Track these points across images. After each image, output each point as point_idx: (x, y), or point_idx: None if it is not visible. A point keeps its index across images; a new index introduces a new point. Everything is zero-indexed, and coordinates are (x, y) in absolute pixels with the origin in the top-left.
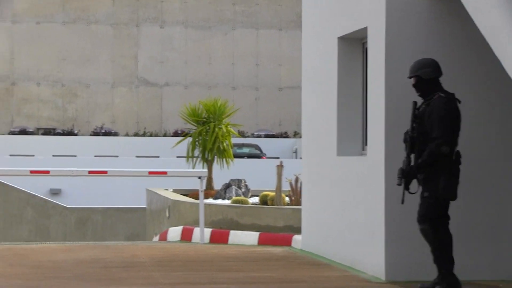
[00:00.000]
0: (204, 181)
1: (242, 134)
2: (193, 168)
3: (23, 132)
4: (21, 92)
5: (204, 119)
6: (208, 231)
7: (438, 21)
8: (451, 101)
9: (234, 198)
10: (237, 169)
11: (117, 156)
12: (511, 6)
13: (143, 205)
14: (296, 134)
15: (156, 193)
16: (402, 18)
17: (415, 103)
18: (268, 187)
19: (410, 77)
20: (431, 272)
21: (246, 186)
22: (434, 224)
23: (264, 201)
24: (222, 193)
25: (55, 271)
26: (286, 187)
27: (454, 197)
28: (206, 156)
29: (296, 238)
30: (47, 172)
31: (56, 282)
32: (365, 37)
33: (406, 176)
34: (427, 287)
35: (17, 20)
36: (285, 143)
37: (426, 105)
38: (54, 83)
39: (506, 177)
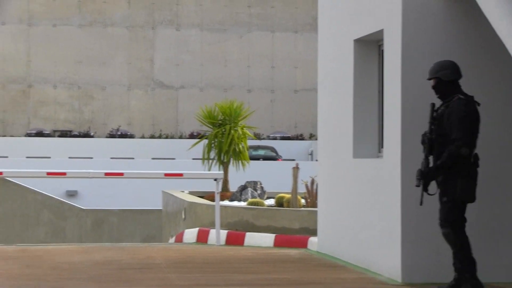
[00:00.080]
0: (220, 183)
1: (257, 136)
2: (209, 170)
3: (40, 134)
4: (38, 94)
5: (220, 121)
6: (224, 233)
7: (454, 23)
8: (471, 103)
9: (250, 200)
10: (253, 171)
11: (133, 158)
12: None
13: (159, 207)
14: (312, 136)
15: (172, 195)
16: (418, 20)
17: (433, 104)
18: (283, 189)
19: (429, 79)
20: (448, 274)
21: (262, 188)
22: (455, 227)
23: (280, 203)
24: (238, 195)
25: (71, 273)
26: (302, 189)
27: (472, 199)
28: (222, 158)
29: (312, 240)
30: (64, 174)
31: (72, 284)
32: (381, 40)
33: (424, 177)
34: None
35: (34, 22)
36: (300, 145)
37: (445, 107)
38: (70, 85)
39: None
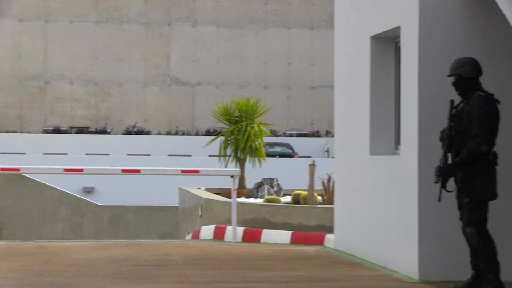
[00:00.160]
0: (237, 180)
1: (274, 133)
2: (226, 167)
3: (57, 130)
4: (55, 91)
5: (237, 118)
6: (240, 230)
7: (471, 20)
8: (491, 101)
9: (266, 197)
10: (269, 168)
11: (149, 155)
12: None
13: (176, 203)
14: (328, 133)
15: (189, 191)
16: (435, 17)
17: (452, 101)
18: (300, 186)
19: (449, 76)
20: (465, 272)
21: (278, 185)
22: (480, 228)
23: (296, 200)
24: (254, 192)
25: (88, 269)
26: (318, 186)
27: (493, 196)
28: (238, 155)
29: (329, 237)
30: (81, 170)
31: (90, 280)
32: (398, 36)
33: (443, 174)
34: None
35: (51, 19)
36: (317, 142)
37: (466, 104)
38: (87, 82)
39: None
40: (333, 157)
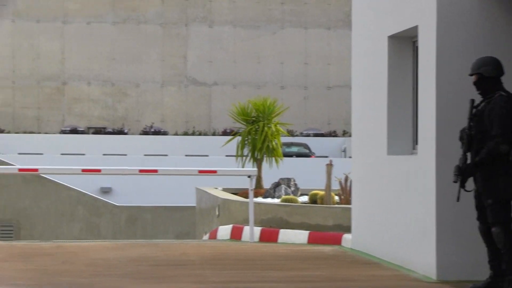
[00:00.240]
0: (254, 180)
1: (291, 133)
2: (243, 167)
3: (74, 131)
4: (72, 91)
5: (254, 118)
6: (257, 230)
7: (489, 19)
8: None
9: (283, 197)
10: (286, 168)
11: (166, 155)
12: None
13: (193, 203)
14: (345, 133)
15: (206, 191)
16: (453, 16)
17: (472, 100)
18: (317, 186)
19: (471, 75)
20: (483, 272)
21: (295, 185)
22: (506, 228)
23: (313, 200)
24: (271, 192)
25: (106, 269)
26: (335, 186)
27: None
28: (255, 155)
29: (346, 237)
30: (99, 171)
31: (107, 280)
32: (416, 36)
33: (462, 173)
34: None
35: (68, 20)
36: (333, 142)
37: (487, 103)
38: (104, 82)
39: None
40: (350, 157)
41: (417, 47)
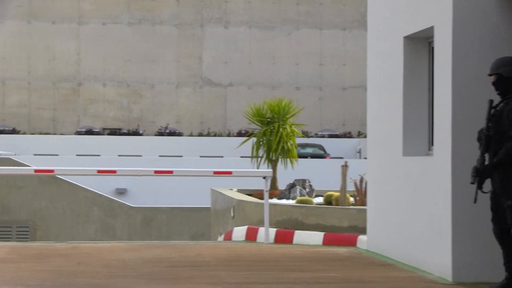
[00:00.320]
0: (269, 181)
1: (306, 134)
2: (258, 168)
3: (89, 132)
4: (87, 92)
5: (269, 119)
6: (272, 231)
7: (505, 20)
8: None
9: (298, 198)
10: (301, 169)
11: (181, 156)
12: None
13: (208, 205)
14: (360, 134)
15: (221, 193)
16: (469, 17)
17: (491, 101)
18: (331, 187)
19: (490, 75)
20: (499, 274)
21: (310, 186)
22: None
23: (328, 201)
24: (286, 193)
25: (121, 270)
26: (350, 187)
27: None
28: (270, 156)
29: (361, 238)
30: (114, 172)
31: (123, 281)
32: (431, 36)
33: (480, 175)
34: None
35: (84, 21)
36: (348, 143)
37: (506, 104)
38: (119, 83)
39: None
40: (365, 158)
41: (433, 48)
